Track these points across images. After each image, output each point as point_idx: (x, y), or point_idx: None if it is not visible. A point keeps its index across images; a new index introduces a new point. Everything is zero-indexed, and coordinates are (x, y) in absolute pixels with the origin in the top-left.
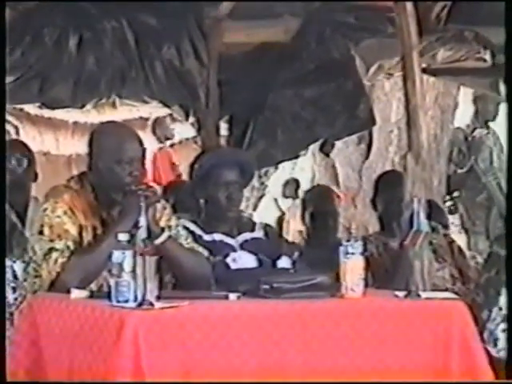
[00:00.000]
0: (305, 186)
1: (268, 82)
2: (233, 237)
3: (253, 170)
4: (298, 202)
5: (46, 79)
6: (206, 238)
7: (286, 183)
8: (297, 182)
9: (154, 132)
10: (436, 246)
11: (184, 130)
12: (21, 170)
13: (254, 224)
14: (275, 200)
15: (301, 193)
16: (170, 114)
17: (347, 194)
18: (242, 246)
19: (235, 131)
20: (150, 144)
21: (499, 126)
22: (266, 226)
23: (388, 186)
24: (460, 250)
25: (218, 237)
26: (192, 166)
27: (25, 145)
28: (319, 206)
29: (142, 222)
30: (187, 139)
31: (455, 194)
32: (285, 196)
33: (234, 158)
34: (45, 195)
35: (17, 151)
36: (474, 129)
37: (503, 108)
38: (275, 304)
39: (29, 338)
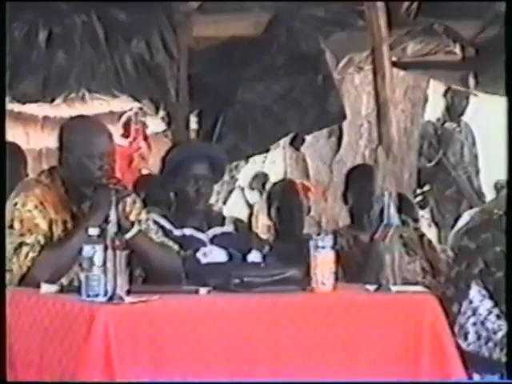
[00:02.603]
0: (274, 179)
1: (238, 76)
2: (203, 231)
3: (224, 164)
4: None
5: (15, 73)
6: (177, 232)
7: (255, 176)
8: (265, 176)
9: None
10: (406, 240)
11: (154, 123)
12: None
13: (224, 218)
14: (242, 190)
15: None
16: (141, 108)
17: (317, 186)
18: (213, 241)
19: (205, 125)
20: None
21: (472, 119)
22: (236, 221)
23: (358, 180)
24: (430, 243)
25: (188, 231)
26: (163, 159)
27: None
28: (284, 199)
29: (113, 216)
30: (157, 133)
31: (425, 187)
32: (251, 188)
33: (204, 152)
34: (15, 189)
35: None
36: (445, 122)
37: (477, 103)
38: (246, 298)
39: None
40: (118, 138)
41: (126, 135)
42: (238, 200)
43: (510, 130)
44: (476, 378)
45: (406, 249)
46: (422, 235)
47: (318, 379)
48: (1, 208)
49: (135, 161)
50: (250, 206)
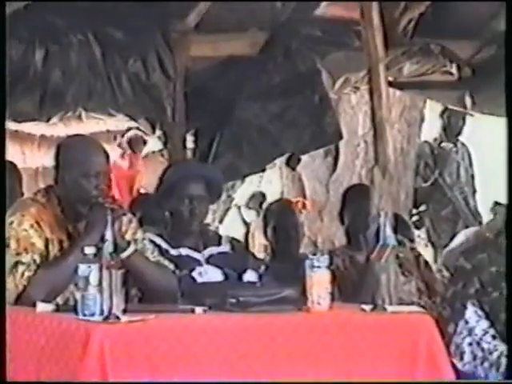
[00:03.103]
0: (271, 199)
1: (234, 96)
2: (199, 251)
3: (220, 184)
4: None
5: (12, 92)
6: (173, 252)
7: (252, 196)
8: (263, 196)
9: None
10: (402, 260)
11: (150, 143)
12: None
13: (220, 238)
14: (238, 209)
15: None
16: (137, 128)
17: (313, 202)
18: (208, 261)
19: (201, 144)
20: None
21: (468, 139)
22: (232, 240)
23: (355, 200)
24: (426, 263)
25: (184, 251)
26: (160, 178)
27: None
28: (280, 219)
29: (108, 235)
30: (153, 152)
31: (422, 207)
32: (249, 207)
33: (200, 172)
34: (11, 208)
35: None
36: (441, 142)
37: (473, 123)
38: (242, 318)
39: None
40: (117, 159)
41: (123, 158)
42: (234, 219)
43: (510, 151)
44: None
45: (402, 269)
46: (417, 255)
47: None
48: (0, 225)
49: (136, 185)
50: (247, 225)
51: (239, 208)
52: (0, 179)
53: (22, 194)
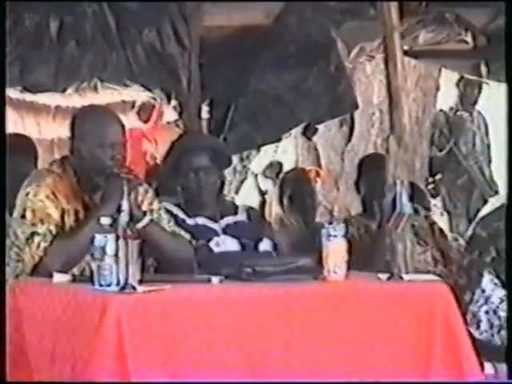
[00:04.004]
0: (287, 168)
1: (249, 66)
2: (216, 221)
3: (225, 153)
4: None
5: (26, 63)
6: (189, 221)
7: (270, 165)
8: (280, 165)
9: (138, 114)
10: (417, 228)
11: (166, 113)
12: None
13: (236, 207)
14: (255, 177)
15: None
16: (153, 98)
17: (327, 171)
18: (225, 230)
19: (216, 114)
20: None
21: (484, 108)
22: (248, 209)
23: (370, 169)
24: (441, 231)
25: (200, 221)
26: (167, 153)
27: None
28: (296, 188)
29: (125, 205)
30: (169, 123)
31: (437, 176)
32: (266, 176)
33: (202, 144)
34: (27, 179)
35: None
36: (457, 111)
37: (489, 92)
38: (258, 287)
39: (11, 323)
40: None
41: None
42: (250, 189)
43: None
44: (488, 366)
45: (417, 238)
46: (432, 223)
47: (331, 368)
48: (1, 207)
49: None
50: (263, 195)
51: (256, 176)
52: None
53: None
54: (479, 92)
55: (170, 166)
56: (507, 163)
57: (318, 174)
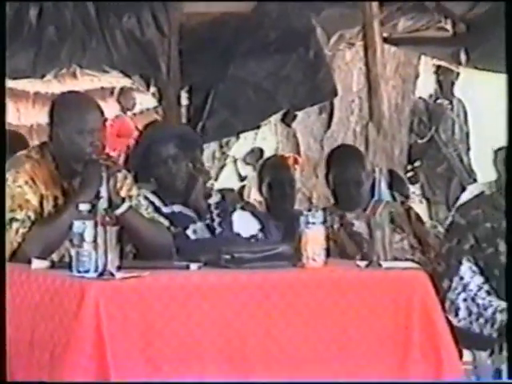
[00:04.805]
0: (268, 155)
1: (229, 52)
2: (191, 207)
3: (193, 138)
4: None
5: (5, 49)
6: (165, 210)
7: (251, 151)
8: (261, 151)
9: (118, 101)
10: (394, 215)
11: (145, 100)
12: None
13: (211, 191)
14: (235, 162)
15: None
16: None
17: (306, 158)
18: (200, 217)
19: (196, 101)
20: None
21: (463, 95)
22: (221, 190)
23: (339, 161)
24: (418, 216)
25: (177, 208)
26: (136, 142)
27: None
28: (275, 175)
29: (103, 192)
30: (148, 109)
31: (416, 163)
32: (246, 163)
33: (168, 133)
34: (5, 165)
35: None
36: (437, 99)
37: (468, 79)
38: (236, 274)
39: None
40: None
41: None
42: (229, 176)
43: (510, 111)
44: (466, 353)
45: (394, 225)
46: (408, 208)
47: (309, 355)
48: (1, 206)
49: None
50: (242, 180)
51: (235, 161)
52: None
53: None
54: (457, 79)
55: (139, 157)
56: (506, 158)
57: (296, 161)
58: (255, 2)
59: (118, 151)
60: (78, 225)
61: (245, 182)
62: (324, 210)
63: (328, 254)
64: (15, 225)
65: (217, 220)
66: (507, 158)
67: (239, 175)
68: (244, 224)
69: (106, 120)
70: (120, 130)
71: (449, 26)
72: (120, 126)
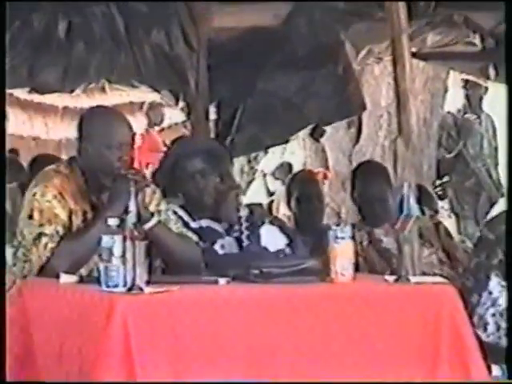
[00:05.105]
0: (297, 169)
1: (257, 67)
2: (220, 222)
3: (221, 152)
4: None
5: (35, 64)
6: (193, 225)
7: (280, 166)
8: (290, 166)
9: (147, 116)
10: (422, 229)
11: (174, 114)
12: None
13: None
14: (264, 177)
15: None
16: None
17: (336, 173)
18: (229, 231)
19: (224, 116)
20: (140, 128)
21: (492, 111)
22: (250, 205)
23: (363, 178)
24: (446, 231)
25: (205, 223)
26: (164, 157)
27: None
28: (304, 190)
29: (132, 206)
30: (177, 124)
31: (445, 178)
32: (275, 177)
33: (194, 148)
34: (34, 179)
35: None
36: (465, 113)
37: (497, 94)
38: (265, 289)
39: (18, 324)
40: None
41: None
42: (258, 191)
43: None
44: (495, 368)
45: (422, 240)
46: (437, 223)
47: (337, 369)
48: (1, 206)
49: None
50: (271, 195)
51: (265, 176)
52: (0, 175)
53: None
54: (486, 94)
55: (167, 172)
56: (507, 167)
57: (325, 176)
58: (283, 16)
59: (152, 165)
60: (106, 239)
61: (273, 197)
62: (353, 226)
63: (357, 269)
64: (44, 239)
65: (245, 233)
66: None
67: (268, 190)
68: (271, 238)
69: (134, 134)
70: (150, 144)
71: (477, 41)
72: (150, 141)
